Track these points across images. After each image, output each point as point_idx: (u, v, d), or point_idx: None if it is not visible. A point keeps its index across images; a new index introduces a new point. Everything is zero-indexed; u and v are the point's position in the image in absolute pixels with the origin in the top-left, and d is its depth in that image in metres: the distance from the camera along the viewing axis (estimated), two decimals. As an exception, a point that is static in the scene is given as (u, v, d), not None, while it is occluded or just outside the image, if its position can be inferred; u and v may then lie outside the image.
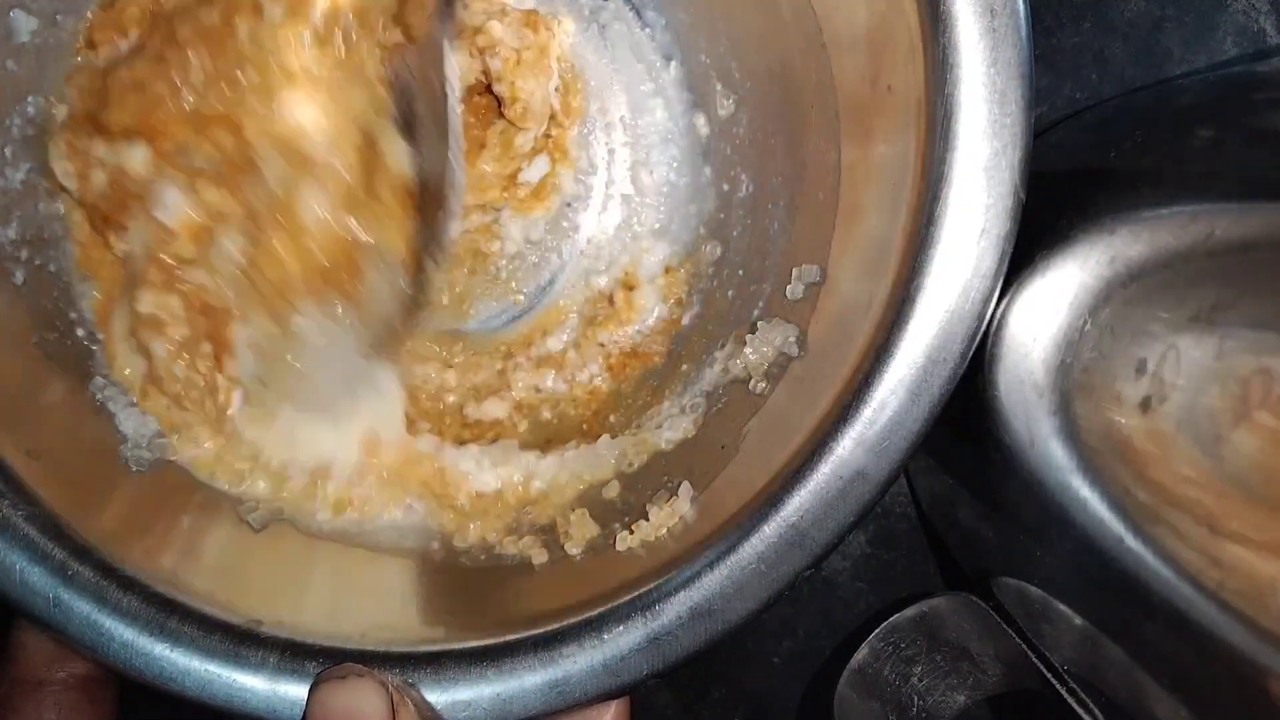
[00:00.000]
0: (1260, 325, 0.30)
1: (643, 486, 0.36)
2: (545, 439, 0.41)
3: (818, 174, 0.36)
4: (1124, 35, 0.45)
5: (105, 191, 0.36)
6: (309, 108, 0.34)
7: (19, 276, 0.35)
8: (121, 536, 0.31)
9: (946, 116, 0.29)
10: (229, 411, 0.37)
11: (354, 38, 0.34)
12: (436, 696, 0.30)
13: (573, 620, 0.30)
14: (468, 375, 0.42)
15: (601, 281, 0.43)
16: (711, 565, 0.30)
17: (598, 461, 0.38)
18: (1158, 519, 0.31)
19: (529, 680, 0.30)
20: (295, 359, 0.36)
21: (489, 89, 0.41)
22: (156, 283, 0.35)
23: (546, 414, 0.42)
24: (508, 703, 0.30)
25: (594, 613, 0.30)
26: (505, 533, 0.37)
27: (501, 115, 0.42)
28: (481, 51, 0.41)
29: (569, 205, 0.43)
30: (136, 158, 0.35)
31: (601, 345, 0.42)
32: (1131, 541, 0.31)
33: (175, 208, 0.35)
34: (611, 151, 0.43)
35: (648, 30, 0.43)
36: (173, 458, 0.36)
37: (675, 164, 0.43)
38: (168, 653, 0.29)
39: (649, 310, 0.42)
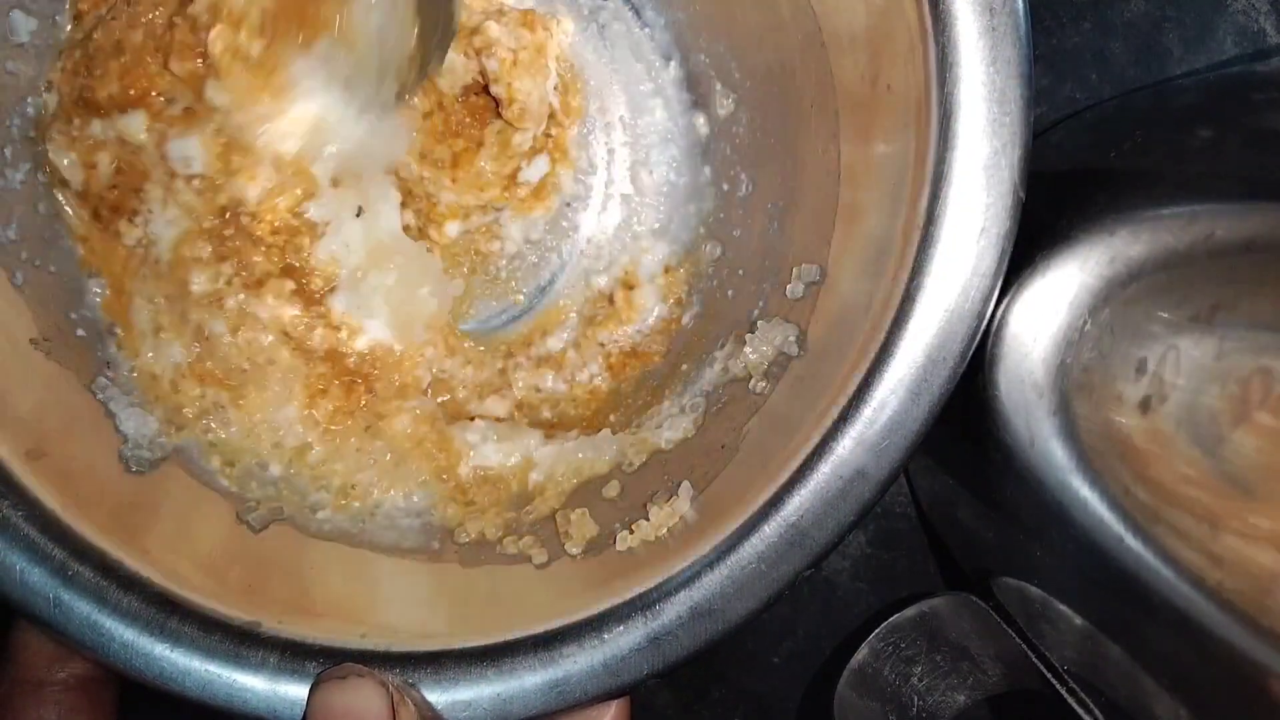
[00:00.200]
0: (1260, 325, 0.30)
1: (643, 486, 0.36)
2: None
3: (817, 173, 0.36)
4: (1124, 35, 0.45)
5: (112, 177, 0.36)
6: None
7: (19, 276, 0.35)
8: (121, 536, 0.31)
9: (946, 115, 0.29)
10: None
11: None
12: (436, 696, 0.30)
13: (573, 620, 0.30)
14: (471, 371, 0.42)
15: (601, 281, 0.43)
16: (711, 565, 0.30)
17: (596, 455, 0.38)
18: (1158, 519, 0.31)
19: (529, 680, 0.30)
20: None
21: (486, 89, 0.41)
22: (206, 258, 0.36)
23: (546, 413, 0.42)
24: (508, 703, 0.30)
25: (594, 612, 0.30)
26: (505, 531, 0.37)
27: (499, 115, 0.42)
28: (478, 52, 0.41)
29: (568, 205, 0.43)
30: (135, 125, 0.36)
31: (601, 345, 0.42)
32: (1131, 541, 0.31)
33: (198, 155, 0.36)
34: (611, 151, 0.43)
35: (647, 30, 0.43)
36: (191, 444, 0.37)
37: (675, 164, 0.43)
38: (168, 653, 0.29)
39: (649, 310, 0.42)
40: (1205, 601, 0.30)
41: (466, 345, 0.42)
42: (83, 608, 0.29)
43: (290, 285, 0.39)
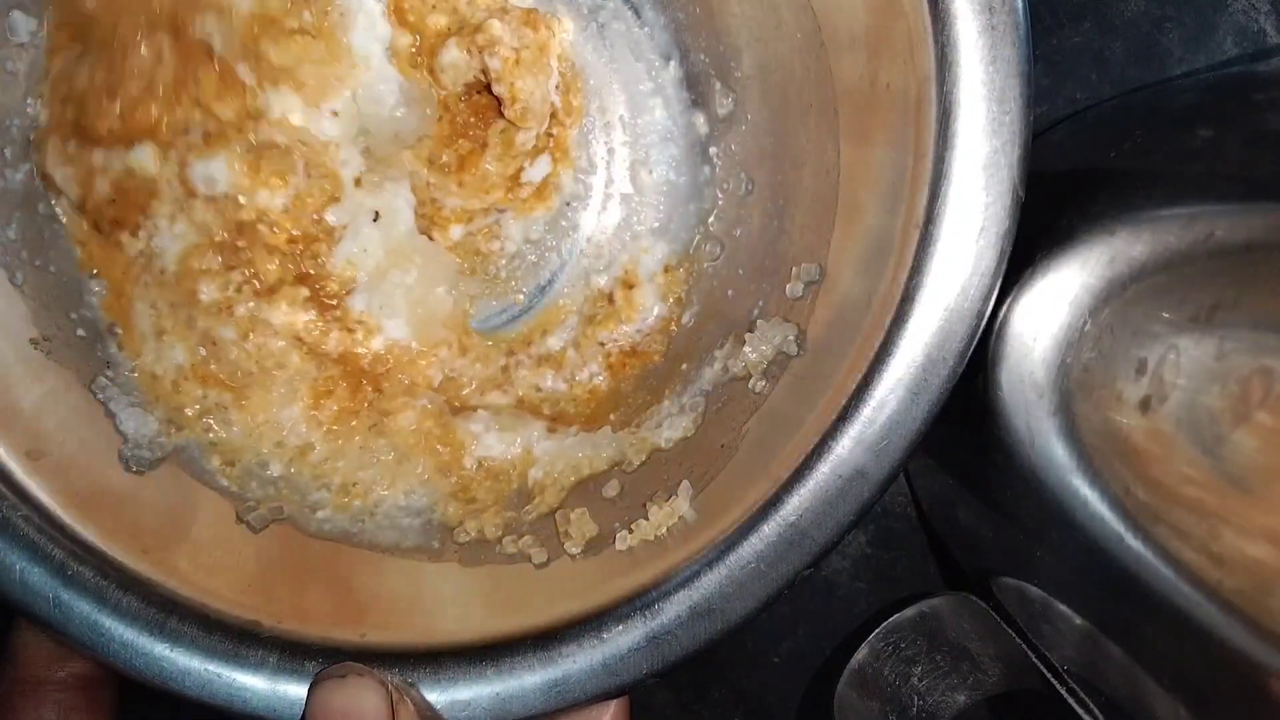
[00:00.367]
0: (1260, 325, 0.30)
1: (642, 486, 0.36)
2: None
3: (817, 172, 0.36)
4: (1124, 35, 0.45)
5: (111, 196, 0.36)
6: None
7: (19, 276, 0.35)
8: (121, 536, 0.31)
9: (945, 115, 0.29)
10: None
11: None
12: (436, 696, 0.30)
13: (572, 620, 0.30)
14: (479, 368, 0.42)
15: (601, 280, 0.43)
16: (711, 565, 0.30)
17: (595, 452, 0.38)
18: (1158, 519, 0.31)
19: (528, 680, 0.30)
20: None
21: (488, 88, 0.41)
22: (215, 269, 0.36)
23: (547, 412, 0.42)
24: (507, 702, 0.30)
25: (593, 612, 0.30)
26: (505, 531, 0.37)
27: (501, 115, 0.42)
28: (481, 49, 0.41)
29: (568, 204, 0.43)
30: (145, 158, 0.35)
31: (601, 344, 0.42)
32: (1131, 541, 0.31)
33: (226, 176, 0.36)
34: (611, 151, 0.43)
35: (646, 29, 0.43)
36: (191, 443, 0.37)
37: (674, 163, 0.43)
38: (168, 653, 0.29)
39: (649, 309, 0.42)
40: (1205, 601, 0.30)
41: (477, 342, 0.42)
42: (83, 608, 0.29)
43: (304, 292, 0.39)
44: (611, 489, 0.37)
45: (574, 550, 0.35)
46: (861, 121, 0.34)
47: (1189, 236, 0.30)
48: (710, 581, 0.30)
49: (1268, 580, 0.29)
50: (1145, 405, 0.31)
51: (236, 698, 0.29)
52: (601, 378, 0.42)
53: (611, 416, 0.41)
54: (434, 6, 0.40)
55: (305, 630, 0.31)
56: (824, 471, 0.30)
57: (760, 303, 0.37)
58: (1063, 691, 0.36)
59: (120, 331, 0.37)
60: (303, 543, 0.36)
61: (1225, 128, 0.34)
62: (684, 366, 0.40)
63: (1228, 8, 0.44)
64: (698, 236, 0.42)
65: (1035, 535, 0.35)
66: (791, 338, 0.35)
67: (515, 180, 0.42)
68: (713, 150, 0.42)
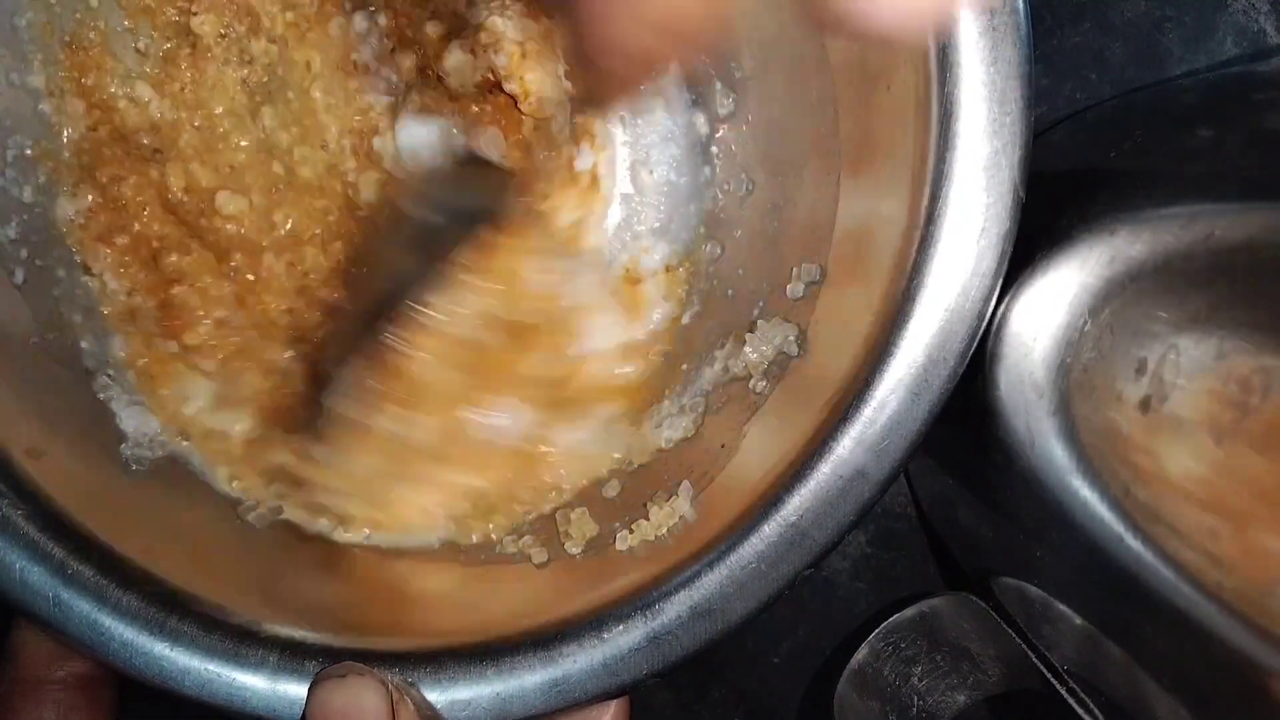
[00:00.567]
0: (1260, 325, 0.30)
1: (643, 486, 0.36)
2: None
3: (817, 173, 0.36)
4: (1124, 35, 0.45)
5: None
6: None
7: (19, 276, 0.35)
8: (121, 536, 0.31)
9: (946, 116, 0.29)
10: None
11: None
12: (436, 695, 0.30)
13: (573, 619, 0.30)
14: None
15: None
16: (711, 565, 0.30)
17: (606, 450, 0.38)
18: (1158, 519, 0.31)
19: (529, 679, 0.30)
20: None
21: (499, 87, 0.41)
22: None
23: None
24: (507, 702, 0.30)
25: (594, 612, 0.30)
26: (506, 531, 0.37)
27: (519, 111, 0.41)
28: (485, 49, 0.40)
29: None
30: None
31: (602, 346, 0.42)
32: (1131, 541, 0.31)
33: None
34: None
35: (647, 30, 0.42)
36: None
37: (675, 163, 0.43)
38: (168, 652, 0.29)
39: (651, 309, 0.42)
40: (1205, 601, 0.30)
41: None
42: (83, 607, 0.29)
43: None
44: (612, 489, 0.37)
45: (574, 550, 0.35)
46: (862, 122, 0.34)
47: (1189, 236, 0.30)
48: (710, 581, 0.30)
49: (1268, 580, 0.29)
50: (1145, 405, 0.31)
51: (236, 697, 0.29)
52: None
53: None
54: (432, 14, 0.40)
55: (305, 630, 0.31)
56: (824, 471, 0.30)
57: (761, 303, 0.37)
58: (1063, 691, 0.36)
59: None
60: (303, 543, 0.36)
61: (1225, 128, 0.34)
62: (684, 366, 0.40)
63: (1228, 8, 0.44)
64: (698, 237, 0.42)
65: (1035, 535, 0.35)
66: (792, 338, 0.35)
67: (569, 170, 0.42)
68: (713, 150, 0.42)
